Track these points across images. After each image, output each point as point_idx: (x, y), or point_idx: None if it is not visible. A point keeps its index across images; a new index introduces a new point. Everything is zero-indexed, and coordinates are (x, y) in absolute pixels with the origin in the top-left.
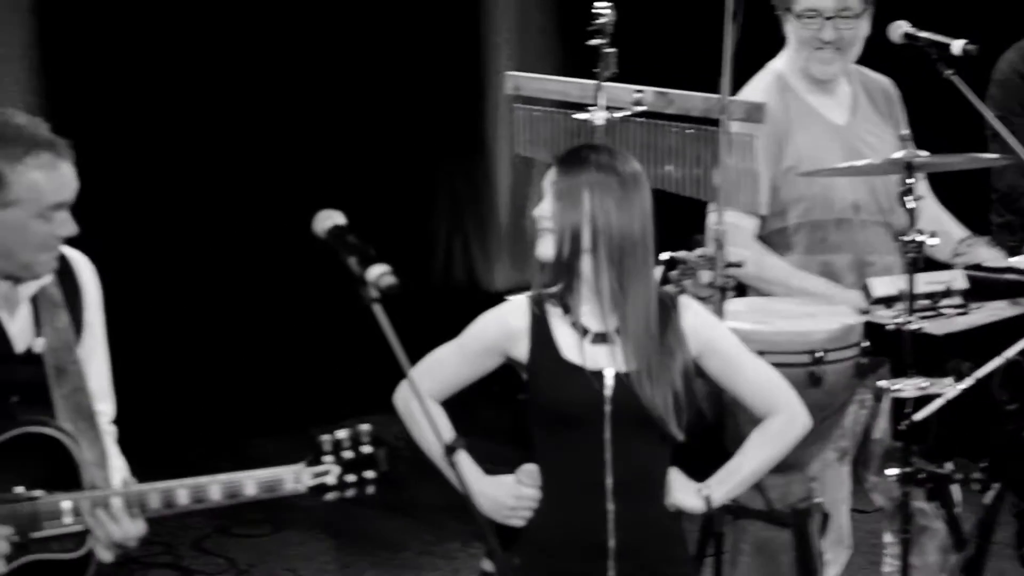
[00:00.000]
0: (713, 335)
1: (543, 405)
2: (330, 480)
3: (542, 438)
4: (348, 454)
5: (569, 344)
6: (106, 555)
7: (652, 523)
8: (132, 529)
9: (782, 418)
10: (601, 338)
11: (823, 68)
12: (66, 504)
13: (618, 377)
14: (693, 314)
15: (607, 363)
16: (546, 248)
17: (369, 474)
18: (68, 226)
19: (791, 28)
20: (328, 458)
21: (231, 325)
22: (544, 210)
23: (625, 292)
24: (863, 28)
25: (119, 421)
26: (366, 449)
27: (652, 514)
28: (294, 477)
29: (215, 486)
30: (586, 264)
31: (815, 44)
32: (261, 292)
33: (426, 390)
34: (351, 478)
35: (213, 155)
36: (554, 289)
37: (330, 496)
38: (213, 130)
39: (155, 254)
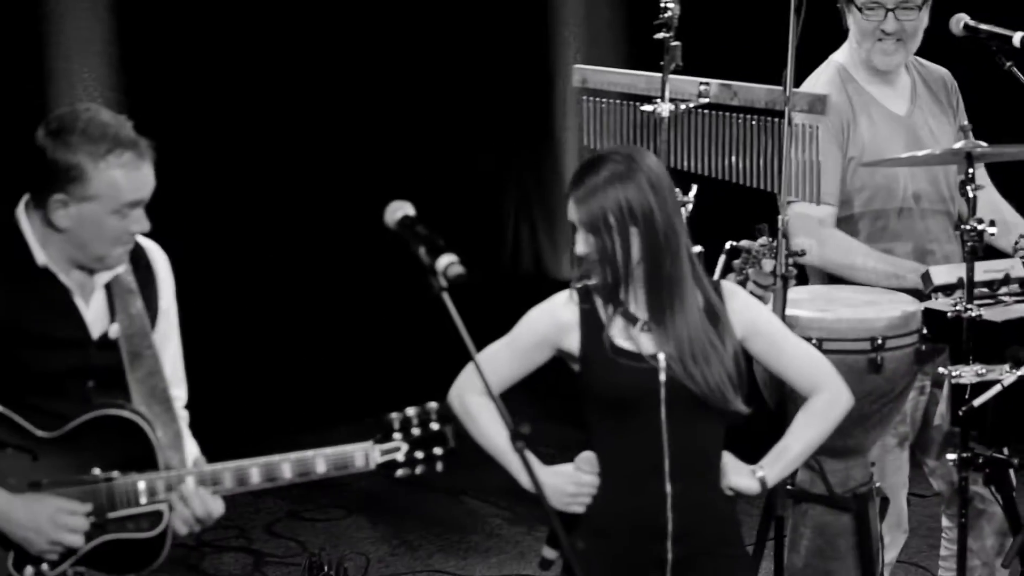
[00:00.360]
0: (757, 318)
1: (599, 393)
2: (399, 457)
3: (599, 425)
4: (417, 431)
5: (619, 332)
6: (183, 529)
7: (709, 505)
8: (212, 506)
9: (826, 396)
10: (650, 325)
11: (885, 59)
12: (141, 484)
13: (670, 360)
14: (736, 299)
15: (658, 348)
16: (595, 278)
17: (437, 451)
18: (141, 223)
19: (853, 20)
20: (397, 435)
21: (299, 316)
22: (580, 249)
23: (666, 284)
24: (924, 20)
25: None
26: (434, 426)
27: (709, 496)
28: (364, 454)
29: (286, 464)
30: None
31: (877, 35)
32: (329, 282)
33: (480, 388)
34: (420, 455)
35: (286, 147)
36: (598, 281)
37: (400, 473)
38: (287, 123)
39: (228, 244)
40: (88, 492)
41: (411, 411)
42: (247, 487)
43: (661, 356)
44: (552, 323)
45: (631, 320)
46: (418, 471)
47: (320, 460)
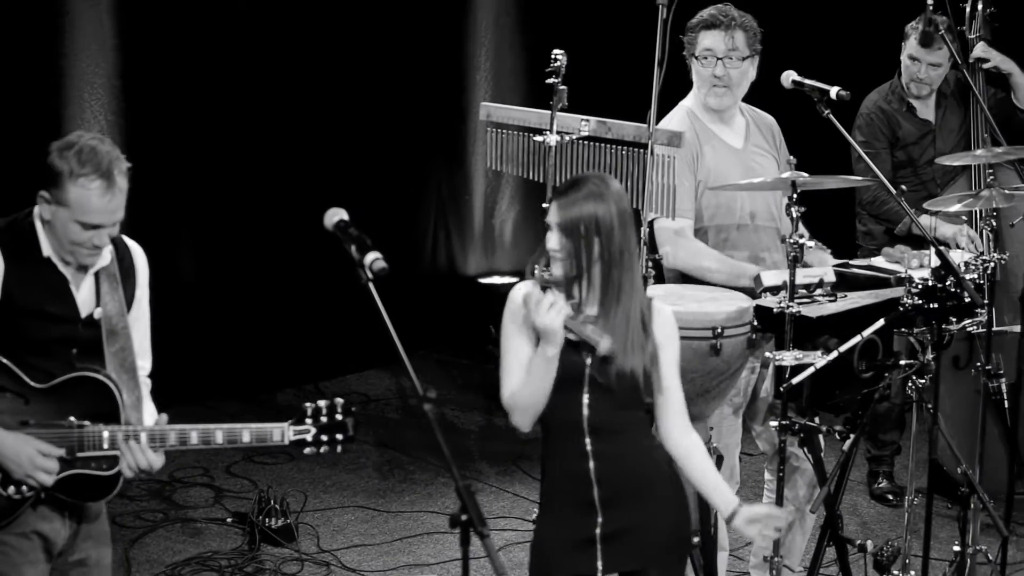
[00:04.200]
0: (671, 339)
1: None
2: (308, 438)
3: None
4: (324, 420)
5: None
6: (129, 474)
7: (626, 455)
8: (154, 460)
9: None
10: (595, 320)
11: (717, 100)
12: (105, 434)
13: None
14: (662, 315)
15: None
16: (558, 270)
17: (339, 436)
18: (103, 239)
19: (694, 70)
20: (308, 421)
21: (257, 303)
22: (552, 243)
23: (614, 289)
24: (750, 72)
25: (154, 374)
26: (339, 417)
27: (626, 448)
28: (280, 432)
29: (219, 432)
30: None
31: (712, 81)
32: (279, 274)
33: (516, 384)
34: (324, 438)
35: (252, 168)
36: (561, 273)
37: (307, 451)
38: (252, 150)
39: (202, 236)
40: (64, 435)
41: (322, 403)
42: (187, 447)
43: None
44: (519, 311)
45: (577, 313)
46: (322, 451)
47: (246, 432)
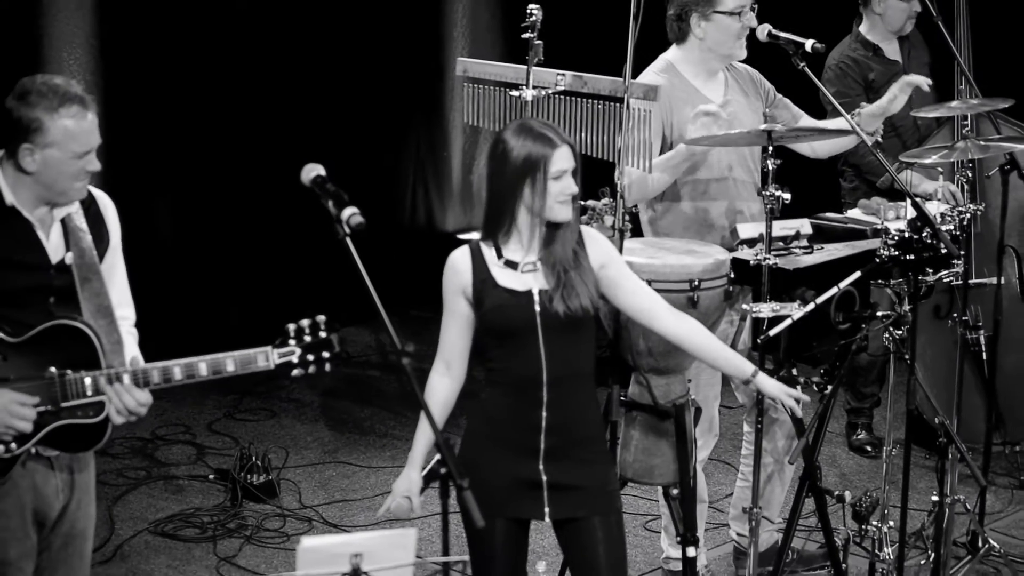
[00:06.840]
0: (611, 253)
1: (489, 322)
2: (294, 359)
3: (490, 344)
4: (308, 338)
5: (502, 273)
6: (118, 419)
7: (576, 407)
8: (141, 397)
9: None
10: (532, 265)
11: (743, 51)
12: (88, 380)
13: (543, 295)
14: (595, 241)
15: (535, 285)
16: (568, 213)
17: (326, 354)
18: (94, 163)
19: (717, 27)
20: (292, 341)
21: (235, 260)
22: (575, 188)
23: (551, 230)
24: None
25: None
26: (323, 334)
27: (577, 399)
28: (265, 356)
29: (203, 364)
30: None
31: (740, 33)
32: (257, 231)
33: (449, 360)
34: (311, 357)
35: (231, 125)
36: (574, 217)
37: (295, 372)
38: (230, 108)
39: (179, 197)
40: (45, 386)
41: (304, 322)
42: (172, 383)
43: (535, 292)
44: (453, 274)
45: (512, 266)
46: (311, 371)
47: (229, 360)
